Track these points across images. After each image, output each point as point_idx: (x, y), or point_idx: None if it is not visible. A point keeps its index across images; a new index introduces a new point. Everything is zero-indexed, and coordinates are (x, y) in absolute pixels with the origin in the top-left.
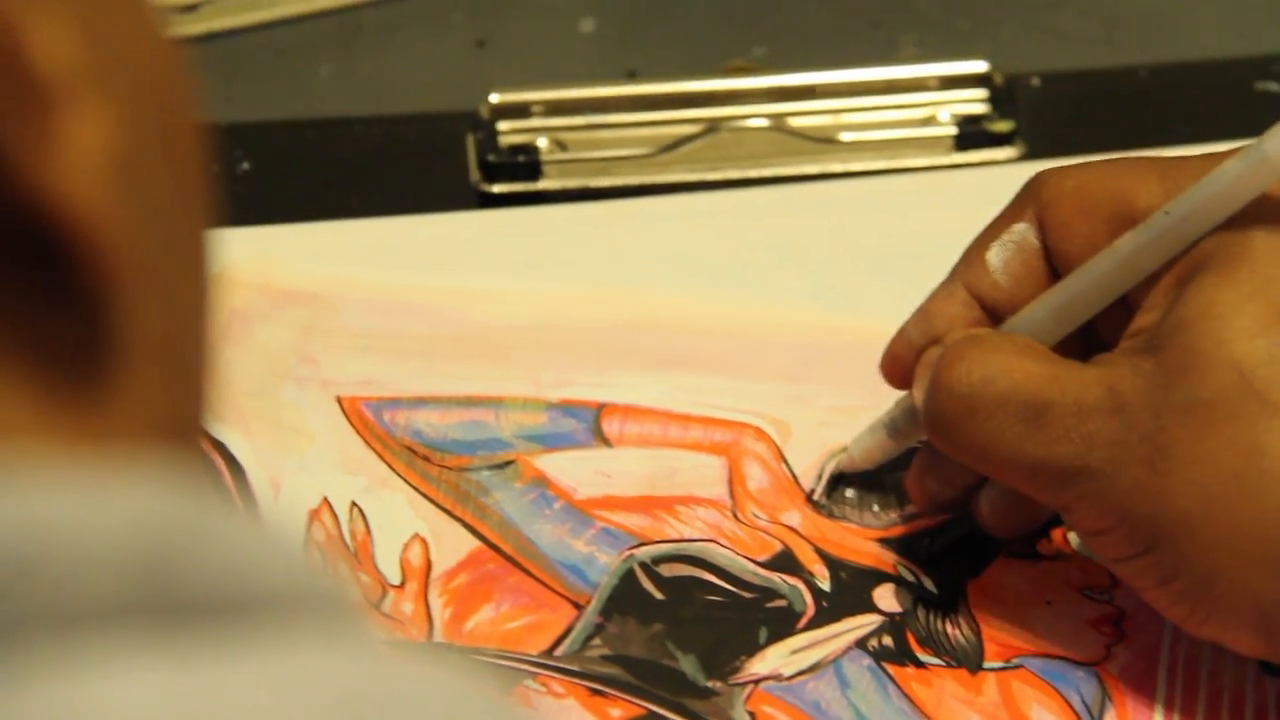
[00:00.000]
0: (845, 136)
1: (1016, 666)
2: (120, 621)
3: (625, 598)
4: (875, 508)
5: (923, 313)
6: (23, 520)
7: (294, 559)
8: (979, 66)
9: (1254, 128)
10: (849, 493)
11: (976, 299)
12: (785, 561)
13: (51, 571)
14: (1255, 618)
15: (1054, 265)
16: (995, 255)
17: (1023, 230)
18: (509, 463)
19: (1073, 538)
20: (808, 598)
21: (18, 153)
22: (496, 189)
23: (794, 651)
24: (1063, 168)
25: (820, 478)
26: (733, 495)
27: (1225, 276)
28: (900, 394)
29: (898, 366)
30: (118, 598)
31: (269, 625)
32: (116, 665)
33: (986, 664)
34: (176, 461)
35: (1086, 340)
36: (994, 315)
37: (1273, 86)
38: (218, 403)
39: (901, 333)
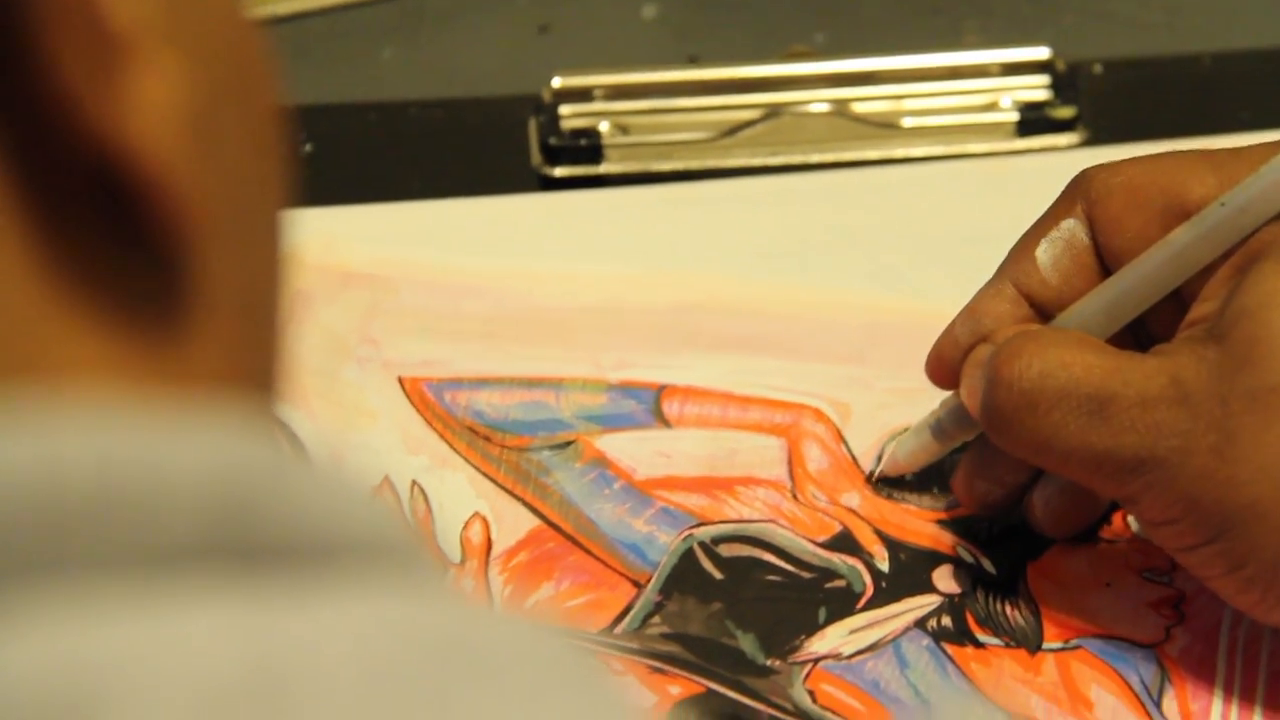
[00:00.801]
0: (907, 122)
1: (1076, 647)
2: (199, 562)
3: (684, 577)
4: (935, 490)
5: (970, 311)
6: (104, 457)
7: (370, 508)
8: (1041, 53)
9: None
10: (908, 475)
11: (1025, 297)
12: (844, 542)
13: (132, 509)
14: None
15: (1104, 261)
16: (1044, 252)
17: (1071, 226)
18: (569, 443)
19: (1133, 521)
20: (867, 578)
21: (91, 100)
22: (558, 172)
23: (853, 631)
24: (1110, 164)
25: (880, 460)
26: (792, 476)
27: None
28: (945, 395)
29: (944, 367)
30: (197, 538)
31: (347, 571)
32: (195, 604)
33: (1045, 645)
34: (253, 410)
35: (1136, 336)
36: (1042, 313)
37: None
38: (288, 369)
39: (948, 332)
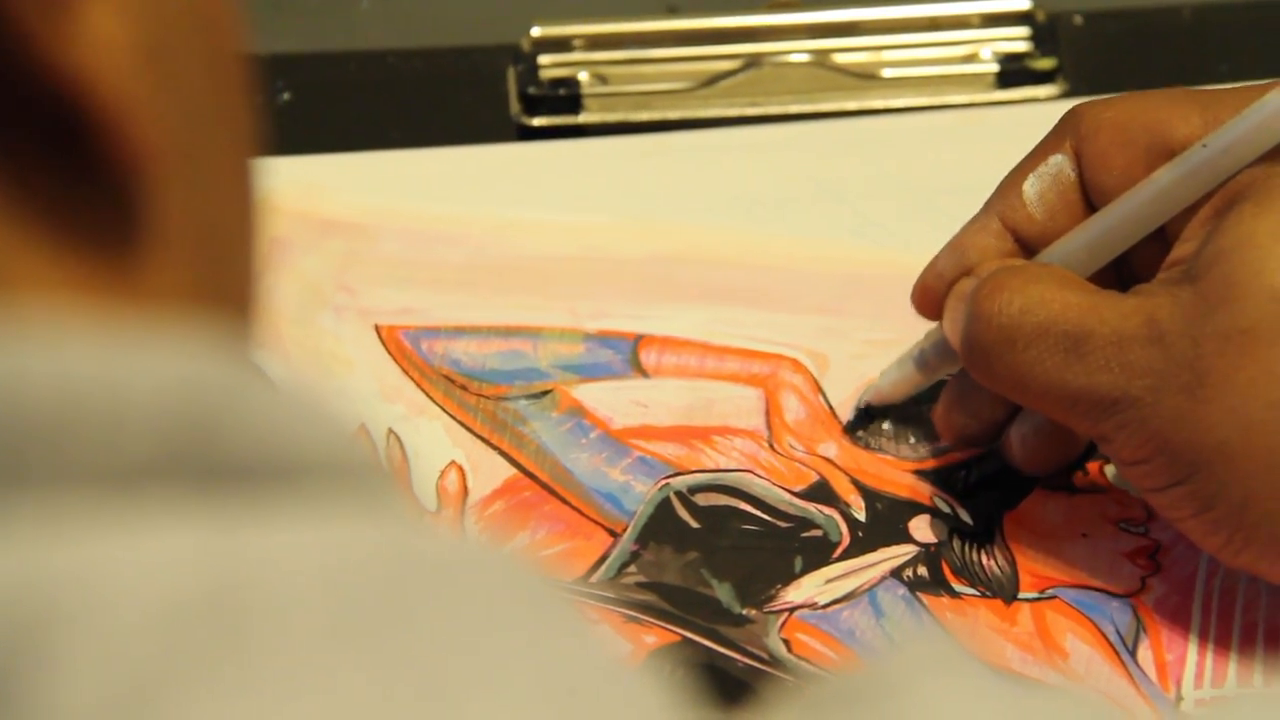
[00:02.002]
0: (887, 73)
1: (1051, 597)
2: (159, 480)
3: (661, 526)
4: (912, 440)
5: (955, 244)
6: (64, 375)
7: (332, 429)
8: (1022, 3)
9: None
10: (885, 425)
11: (1010, 231)
12: (821, 492)
13: (92, 427)
14: None
15: (1090, 198)
16: (1031, 187)
17: (1059, 162)
18: (546, 392)
19: (1109, 470)
20: (843, 528)
21: (42, 32)
22: (537, 122)
23: (829, 580)
24: (1101, 100)
25: (856, 412)
26: (769, 426)
27: (1264, 207)
28: (930, 326)
29: (928, 298)
30: (157, 456)
31: (308, 491)
32: (154, 523)
33: (1021, 594)
34: (217, 333)
35: (1120, 273)
36: (1027, 248)
37: None
38: (258, 300)
39: (933, 264)
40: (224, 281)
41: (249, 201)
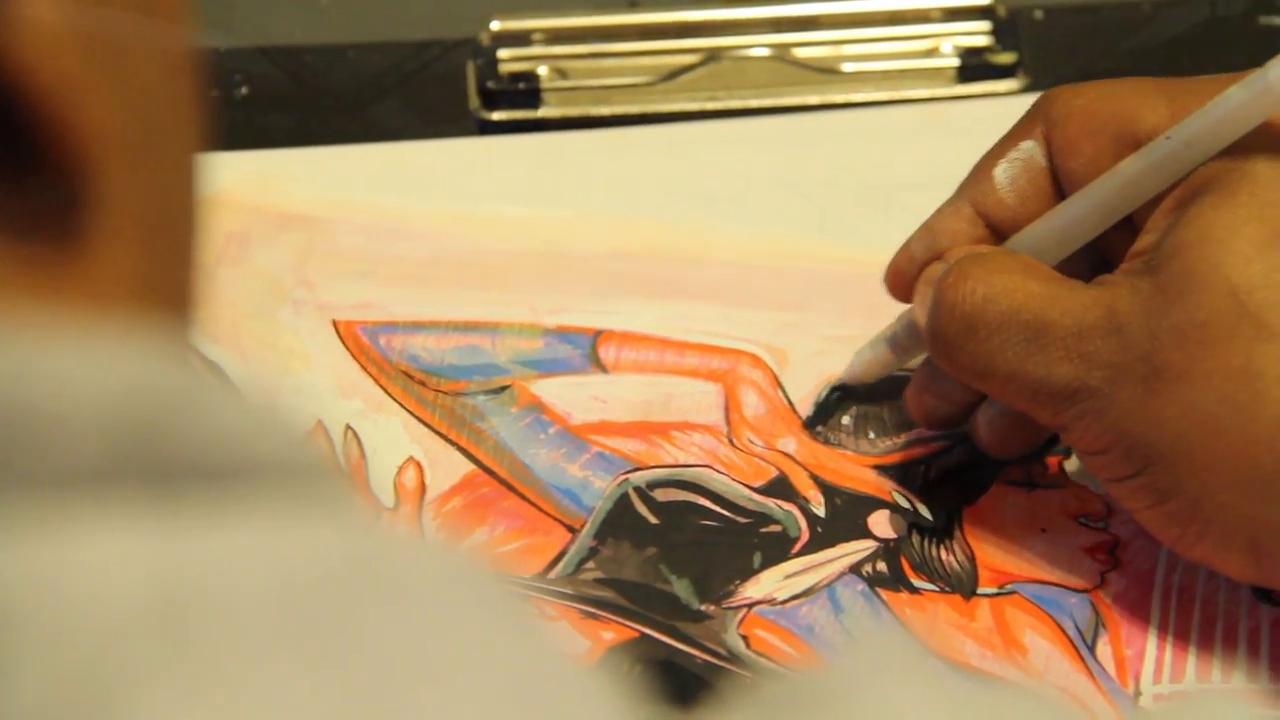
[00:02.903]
0: (847, 67)
1: (1010, 592)
2: (104, 482)
3: (620, 522)
4: (871, 435)
5: (928, 228)
6: (6, 375)
7: (282, 429)
8: None
9: (1257, 62)
10: (845, 420)
11: (982, 216)
12: (780, 487)
13: (35, 429)
14: (1245, 540)
15: (1060, 184)
16: (1002, 172)
17: (1030, 148)
18: (505, 388)
19: (1069, 465)
20: (802, 523)
21: None
22: (496, 116)
23: (788, 576)
24: (1074, 86)
25: (817, 400)
26: (729, 422)
27: (1224, 200)
28: (904, 309)
29: (900, 280)
30: (102, 458)
31: (256, 492)
32: (99, 526)
33: (980, 590)
34: (163, 332)
35: (1092, 260)
36: (998, 233)
37: (1277, 20)
38: (203, 296)
39: (905, 247)
40: (170, 277)
41: (195, 196)
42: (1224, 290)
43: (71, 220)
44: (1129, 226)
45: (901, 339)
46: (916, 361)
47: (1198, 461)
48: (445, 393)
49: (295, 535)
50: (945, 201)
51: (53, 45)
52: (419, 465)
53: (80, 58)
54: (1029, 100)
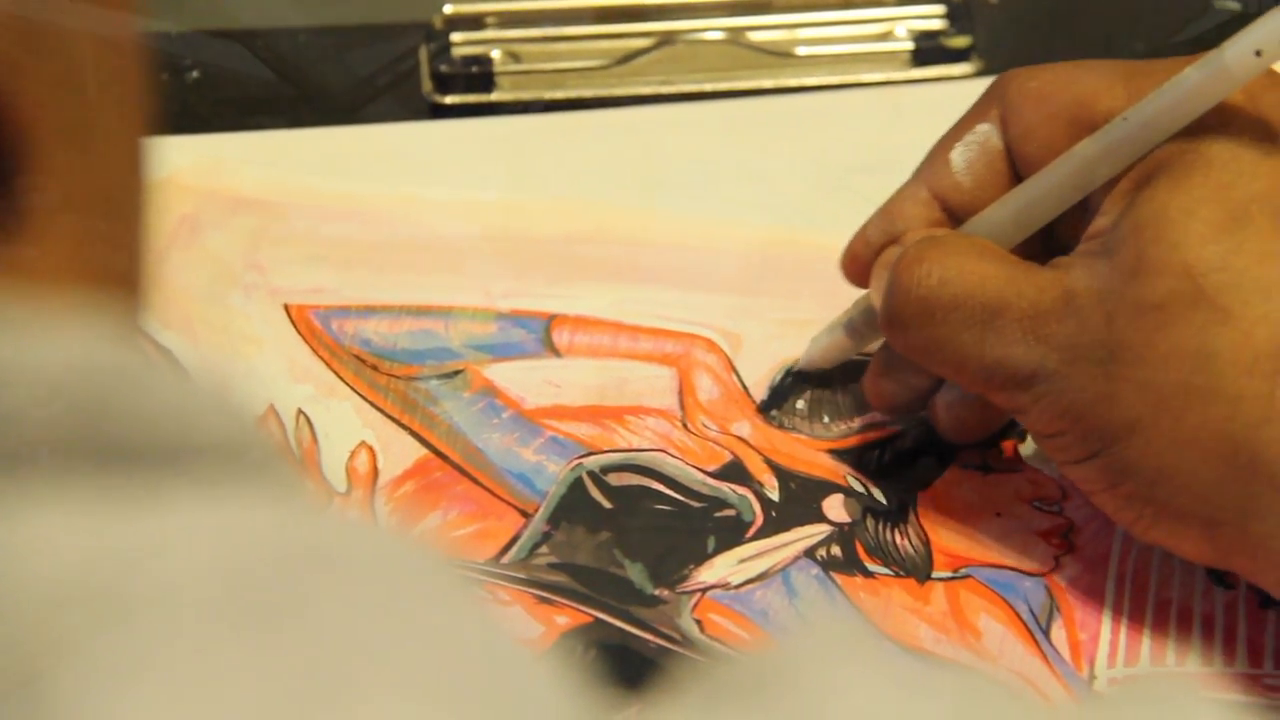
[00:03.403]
0: (801, 51)
1: (965, 576)
2: (48, 460)
3: (573, 506)
4: (825, 419)
5: (884, 212)
6: None
7: (229, 413)
8: None
9: (1212, 45)
10: (799, 404)
11: (938, 200)
12: (734, 472)
13: None
14: (1201, 522)
15: (1016, 167)
16: (959, 156)
17: (986, 131)
18: (458, 372)
19: (1024, 449)
20: (756, 508)
21: None
22: (449, 100)
23: (742, 560)
24: (1029, 68)
25: (772, 384)
26: (683, 406)
27: (1180, 182)
28: (859, 294)
29: (857, 265)
30: (46, 437)
31: (200, 474)
32: (40, 504)
33: (935, 574)
34: (107, 314)
35: (1047, 243)
36: (955, 217)
37: (1231, 4)
38: (149, 276)
39: (862, 231)
40: (114, 259)
41: (139, 178)
42: (1180, 272)
43: (8, 202)
44: (1084, 209)
45: (858, 324)
46: (874, 346)
47: (1154, 443)
48: (398, 377)
49: (240, 516)
50: (901, 185)
51: None
52: (371, 450)
53: (14, 40)
54: (983, 84)
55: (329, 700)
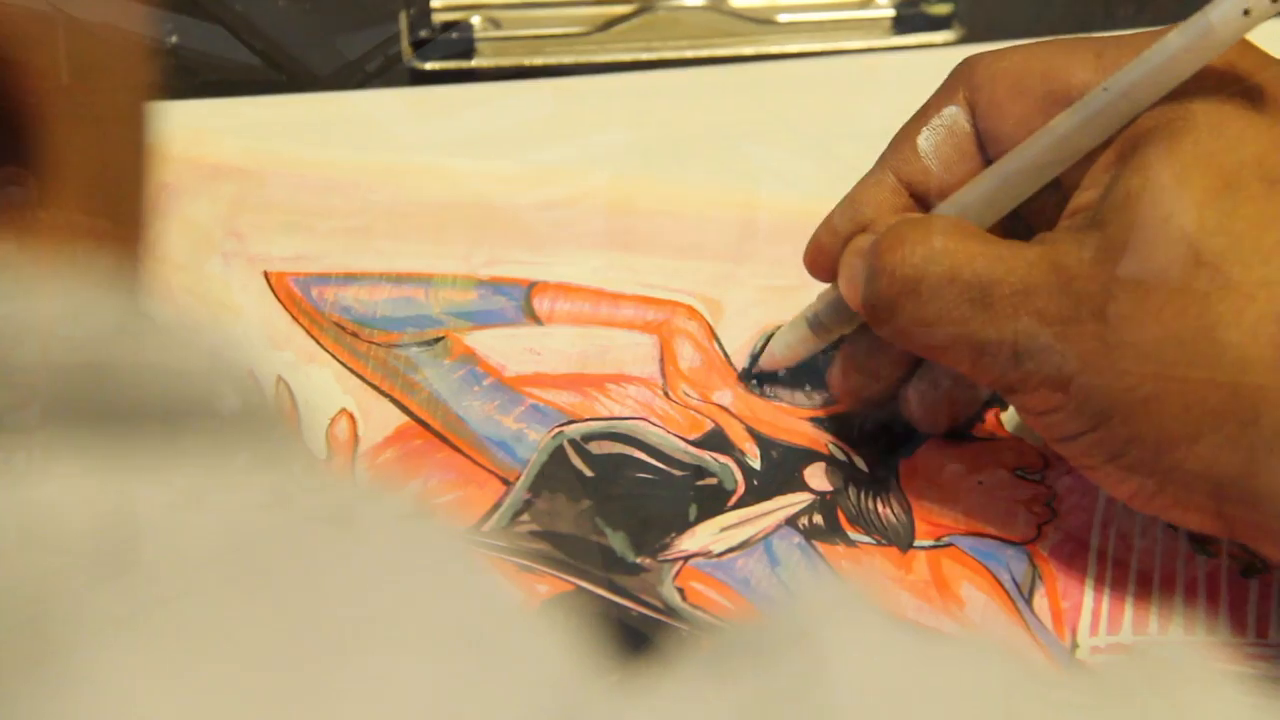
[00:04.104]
0: (783, 18)
1: (947, 545)
2: (53, 420)
3: (554, 474)
4: (807, 387)
5: (849, 201)
6: None
7: (228, 373)
8: None
9: (1197, 10)
10: (781, 372)
11: (905, 185)
12: (716, 440)
13: None
14: (1207, 491)
15: (985, 149)
16: (925, 140)
17: (953, 114)
18: (438, 339)
19: (1005, 418)
20: (738, 476)
21: None
22: (429, 66)
23: (724, 529)
24: (993, 50)
25: (752, 357)
26: (664, 374)
27: (1169, 149)
28: (823, 287)
29: (822, 257)
30: (51, 398)
31: (203, 434)
32: (47, 467)
33: (917, 542)
34: (112, 277)
35: (1014, 230)
36: (922, 202)
37: None
38: (151, 243)
39: (827, 222)
40: (117, 221)
41: (143, 144)
42: (1177, 239)
43: (19, 165)
44: (1053, 188)
45: (824, 318)
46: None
47: (1157, 413)
48: (378, 344)
49: (242, 476)
50: (866, 174)
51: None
52: (351, 417)
53: (25, 20)
54: (965, 51)
55: (328, 655)
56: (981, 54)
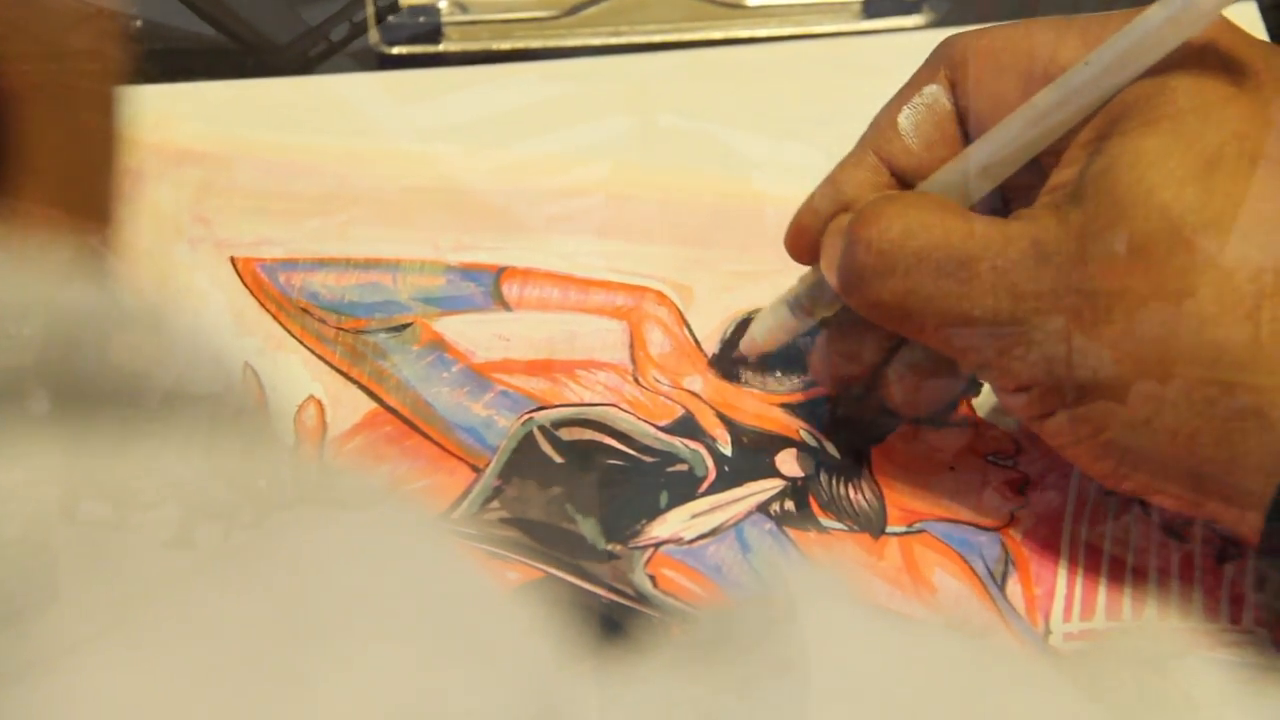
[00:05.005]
0: (752, 2)
1: (919, 531)
2: (22, 399)
3: (524, 461)
4: (778, 373)
5: (830, 181)
6: None
7: (199, 356)
8: None
9: None
10: (752, 358)
11: (887, 165)
12: (686, 426)
13: None
14: (1184, 470)
15: (966, 128)
16: (906, 119)
17: (934, 93)
18: (406, 325)
19: (978, 404)
20: (709, 462)
21: None
22: (396, 51)
23: (695, 515)
24: (974, 30)
25: (721, 343)
26: (634, 359)
27: (1149, 126)
28: (804, 270)
29: (804, 238)
30: (21, 374)
31: (174, 415)
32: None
33: (889, 528)
34: (83, 259)
35: (993, 206)
36: (904, 182)
37: None
38: (120, 227)
39: (808, 203)
40: (88, 207)
41: (114, 129)
42: (1158, 215)
43: None
44: (1034, 168)
45: (804, 300)
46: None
47: (1135, 390)
48: (346, 330)
49: (219, 461)
50: (847, 154)
51: None
52: (319, 404)
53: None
54: (934, 35)
55: (308, 639)
56: (963, 32)
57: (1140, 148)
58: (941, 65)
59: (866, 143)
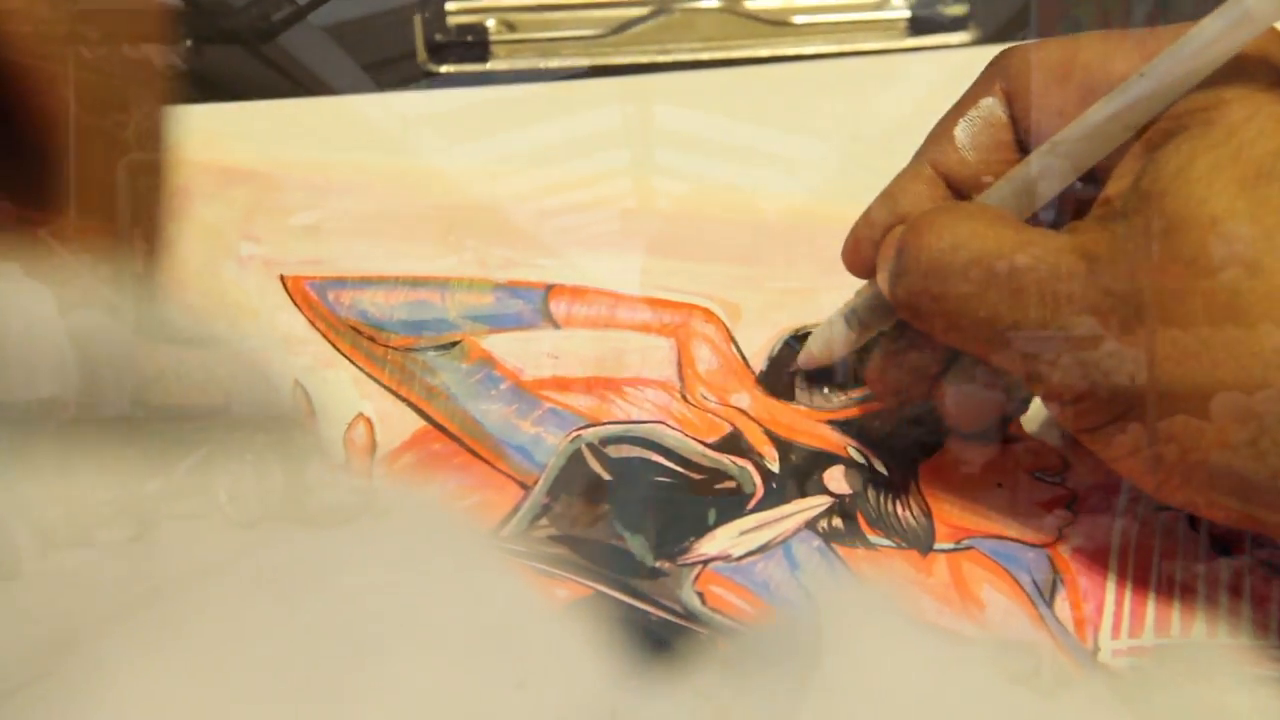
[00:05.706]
0: (799, 19)
1: (967, 548)
2: (74, 421)
3: (572, 478)
4: (825, 390)
5: (887, 194)
6: None
7: (247, 377)
8: None
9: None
10: (798, 374)
11: (943, 177)
12: (734, 443)
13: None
14: (1235, 483)
15: (1022, 140)
16: (962, 131)
17: (990, 105)
18: (455, 343)
19: (1025, 420)
20: (757, 479)
21: None
22: (444, 69)
23: (743, 532)
24: (1030, 42)
25: (769, 360)
26: (681, 377)
27: (1201, 138)
28: (861, 284)
29: (860, 251)
30: (72, 398)
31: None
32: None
33: (937, 545)
34: (126, 278)
35: (1048, 220)
36: (960, 194)
37: None
38: (167, 249)
39: (866, 215)
40: (137, 226)
41: (161, 149)
42: (1209, 227)
43: (42, 176)
44: (1087, 178)
45: (861, 314)
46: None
47: (1185, 402)
48: (395, 348)
49: (265, 476)
50: (905, 167)
51: (29, 27)
52: (369, 422)
53: (49, 15)
54: (980, 52)
55: (357, 657)
56: (1018, 45)
57: (1191, 160)
58: (997, 78)
59: (923, 155)
